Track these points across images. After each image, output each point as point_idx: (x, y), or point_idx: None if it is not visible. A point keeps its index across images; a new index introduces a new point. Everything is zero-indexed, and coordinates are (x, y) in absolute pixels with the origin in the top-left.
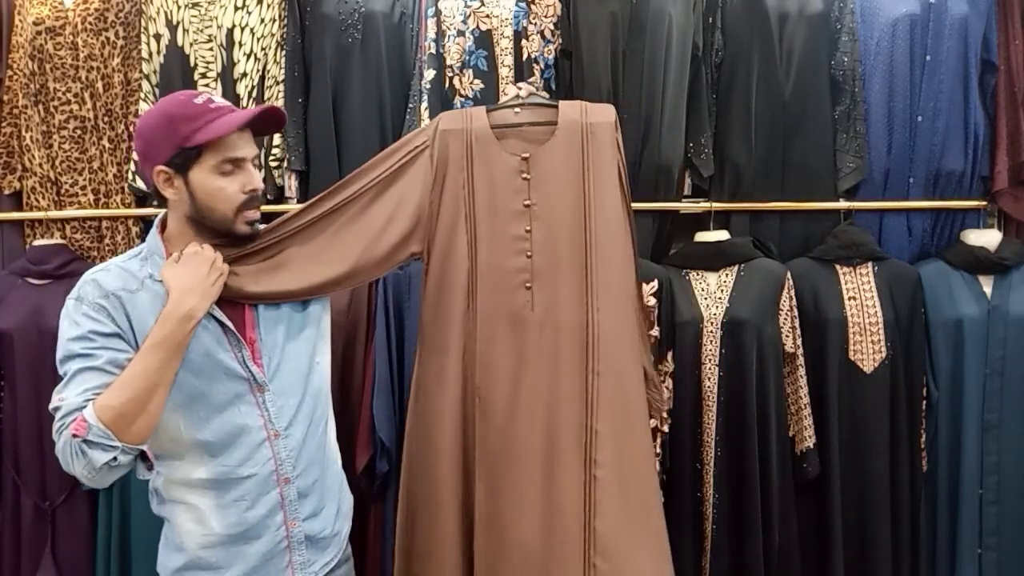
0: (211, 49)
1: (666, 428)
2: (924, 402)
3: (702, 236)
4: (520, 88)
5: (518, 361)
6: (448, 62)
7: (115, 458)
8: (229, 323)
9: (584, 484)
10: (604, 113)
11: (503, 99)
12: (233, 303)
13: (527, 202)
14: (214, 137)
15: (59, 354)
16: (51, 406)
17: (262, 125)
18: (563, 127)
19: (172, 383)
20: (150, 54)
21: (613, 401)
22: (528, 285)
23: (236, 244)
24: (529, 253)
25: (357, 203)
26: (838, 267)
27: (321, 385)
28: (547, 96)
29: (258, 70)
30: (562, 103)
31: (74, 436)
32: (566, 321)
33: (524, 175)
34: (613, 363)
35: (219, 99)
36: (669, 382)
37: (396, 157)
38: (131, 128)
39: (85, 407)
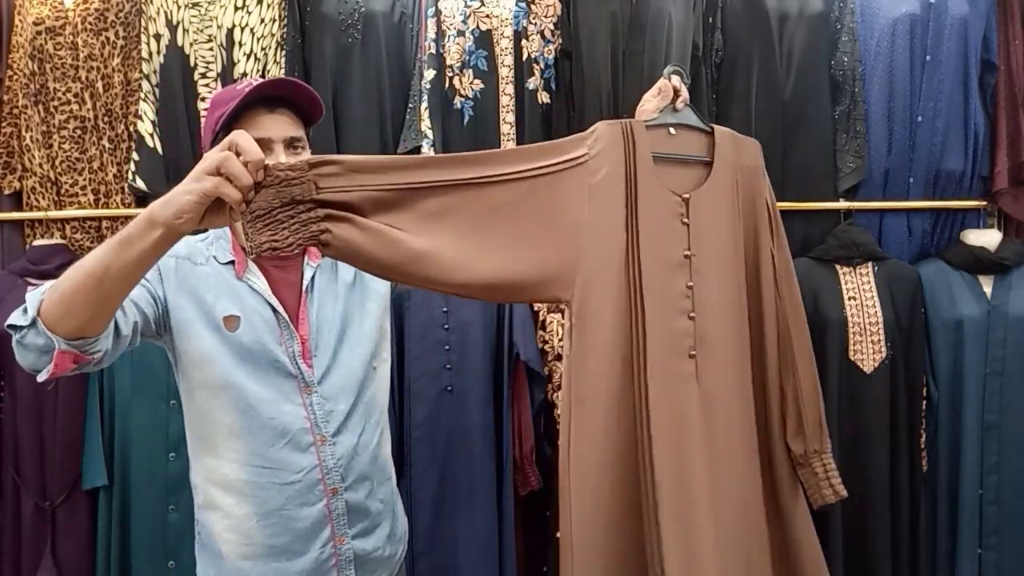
0: (211, 49)
1: None
2: (924, 402)
3: None
4: (677, 92)
5: (693, 449)
6: (448, 62)
7: (23, 334)
8: (284, 313)
9: None
10: (755, 154)
11: (651, 103)
12: (291, 292)
13: (687, 252)
14: (230, 117)
15: None
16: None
17: (288, 102)
18: (720, 167)
19: (120, 295)
20: (150, 54)
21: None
22: (692, 353)
23: None
24: (692, 314)
25: (513, 189)
26: (838, 267)
27: (377, 393)
28: (697, 111)
29: (258, 70)
30: (717, 129)
31: (10, 324)
32: (733, 402)
33: (684, 219)
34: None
35: (260, 80)
36: None
37: (550, 159)
38: (131, 128)
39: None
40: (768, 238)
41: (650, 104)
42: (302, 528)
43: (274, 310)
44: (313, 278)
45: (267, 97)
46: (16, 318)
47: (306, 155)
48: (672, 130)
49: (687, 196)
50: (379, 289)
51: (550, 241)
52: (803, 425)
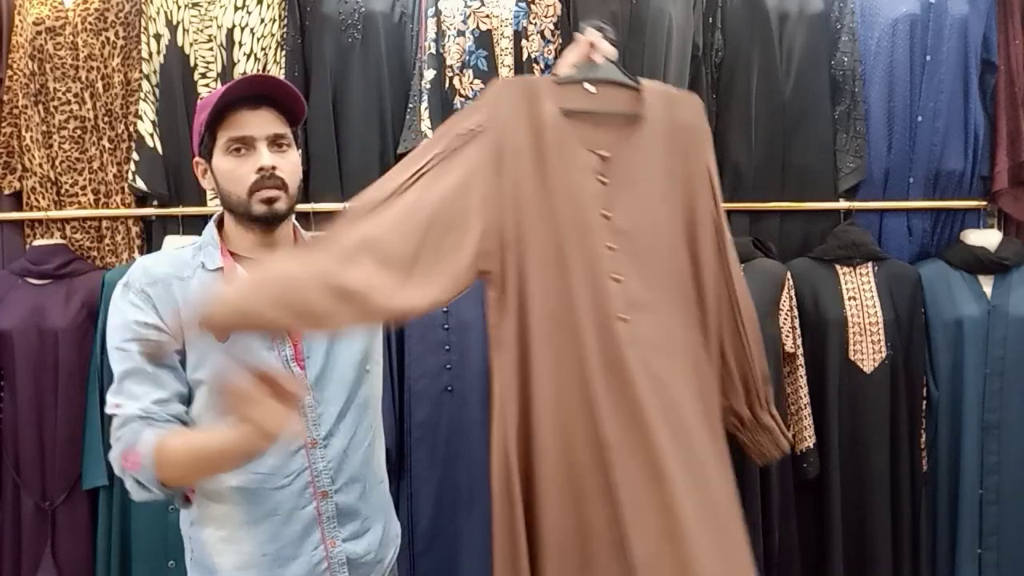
0: (211, 49)
1: None
2: (924, 402)
3: None
4: (591, 39)
5: (634, 408)
6: (448, 62)
7: (152, 493)
8: None
9: None
10: (694, 110)
11: (568, 58)
12: None
13: (606, 212)
14: (213, 119)
15: (108, 340)
16: (107, 411)
17: (271, 99)
18: (650, 123)
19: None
20: (150, 54)
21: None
22: (624, 317)
23: (260, 229)
24: (618, 277)
25: (416, 189)
26: (838, 267)
27: (370, 396)
28: (622, 67)
29: (258, 70)
30: (645, 84)
31: (123, 468)
32: (676, 362)
33: (602, 178)
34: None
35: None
36: None
37: (441, 145)
38: (131, 128)
39: (142, 431)
40: (710, 202)
41: (567, 59)
42: (292, 532)
43: None
44: None
45: (249, 96)
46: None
47: (293, 152)
48: (590, 86)
49: (606, 154)
50: None
51: (472, 223)
52: (752, 388)
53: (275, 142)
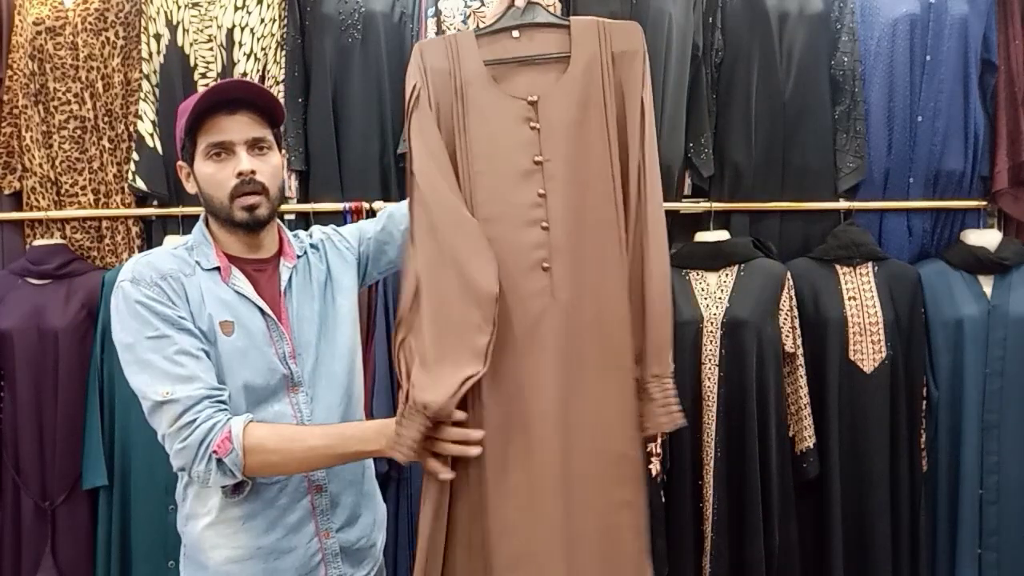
0: (211, 49)
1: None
2: (924, 402)
3: (702, 236)
4: None
5: (539, 365)
6: None
7: (233, 478)
8: (274, 316)
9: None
10: (630, 38)
11: (491, 10)
12: (271, 294)
13: (538, 158)
14: (192, 124)
15: (123, 336)
16: (157, 399)
17: (249, 103)
18: (580, 60)
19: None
20: (150, 54)
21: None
22: (546, 265)
23: (245, 233)
24: (545, 223)
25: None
26: (838, 267)
27: (358, 390)
28: (553, 7)
29: (258, 70)
30: (574, 20)
31: (214, 452)
32: (602, 311)
33: (533, 124)
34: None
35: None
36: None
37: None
38: (131, 128)
39: (217, 415)
40: (637, 129)
41: (491, 11)
42: (287, 526)
43: (262, 312)
44: (290, 279)
45: (226, 100)
46: (218, 477)
47: (273, 155)
48: (515, 33)
49: (534, 98)
50: (349, 284)
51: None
52: (645, 344)
53: (255, 145)
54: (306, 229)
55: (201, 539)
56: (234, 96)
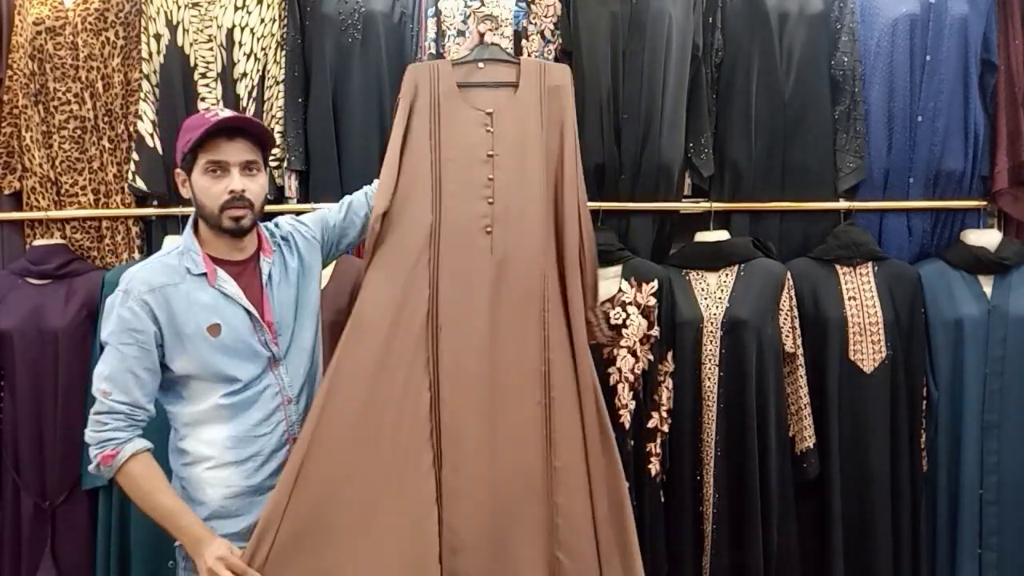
0: (211, 49)
1: (666, 427)
2: (924, 402)
3: (702, 236)
4: (480, 30)
5: (477, 300)
6: None
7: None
8: (255, 312)
9: (541, 417)
10: (562, 75)
11: (465, 45)
12: (254, 287)
13: (490, 152)
14: (196, 144)
15: (104, 334)
16: (94, 389)
17: (245, 131)
18: (525, 88)
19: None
20: (150, 54)
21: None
22: (488, 230)
23: (229, 237)
24: (491, 199)
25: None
26: (838, 267)
27: (318, 353)
28: (508, 48)
29: (258, 70)
30: (523, 60)
31: (99, 456)
32: (524, 266)
33: (488, 128)
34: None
35: (225, 112)
36: (669, 382)
37: (399, 127)
38: (131, 128)
39: (126, 436)
40: (558, 137)
41: (464, 46)
42: (271, 470)
43: (246, 310)
44: (270, 272)
45: (226, 128)
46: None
47: (261, 176)
48: (481, 64)
49: (490, 111)
50: (316, 269)
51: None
52: (583, 287)
53: (247, 167)
54: None
55: (201, 480)
56: (235, 126)
